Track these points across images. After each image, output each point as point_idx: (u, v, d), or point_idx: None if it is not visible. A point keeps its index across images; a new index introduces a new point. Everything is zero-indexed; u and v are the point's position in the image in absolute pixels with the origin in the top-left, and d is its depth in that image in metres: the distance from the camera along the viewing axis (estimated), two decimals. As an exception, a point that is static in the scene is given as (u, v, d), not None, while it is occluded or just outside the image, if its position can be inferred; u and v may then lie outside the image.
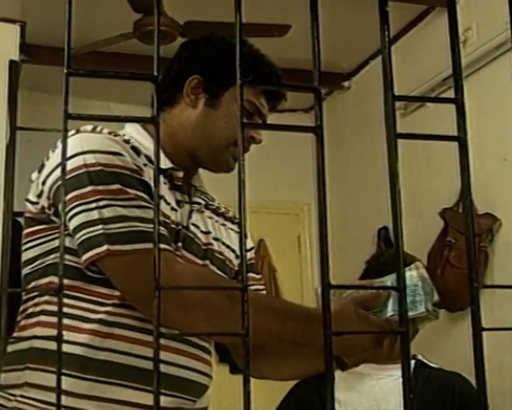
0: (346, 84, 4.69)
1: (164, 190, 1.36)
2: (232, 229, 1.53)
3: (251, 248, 1.59)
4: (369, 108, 3.96)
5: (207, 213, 1.47)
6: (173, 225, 1.33)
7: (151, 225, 1.22)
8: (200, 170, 1.50)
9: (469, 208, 0.48)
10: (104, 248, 1.19)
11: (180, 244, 1.34)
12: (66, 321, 1.23)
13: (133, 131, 1.40)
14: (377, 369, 2.08)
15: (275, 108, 1.46)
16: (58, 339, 0.45)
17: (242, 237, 0.42)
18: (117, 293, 1.26)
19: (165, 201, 1.34)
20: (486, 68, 3.37)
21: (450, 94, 0.52)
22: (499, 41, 3.15)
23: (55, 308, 1.23)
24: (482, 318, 0.49)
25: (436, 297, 1.21)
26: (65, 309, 1.21)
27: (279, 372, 1.46)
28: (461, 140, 0.48)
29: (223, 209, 1.54)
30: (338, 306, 1.17)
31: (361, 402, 2.06)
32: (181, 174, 1.39)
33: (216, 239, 1.46)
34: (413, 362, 2.09)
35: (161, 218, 1.31)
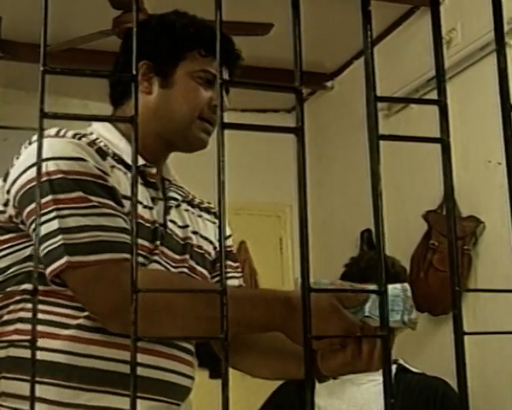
0: (329, 84, 4.70)
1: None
2: (209, 220, 1.53)
3: (229, 236, 1.58)
4: (353, 109, 3.98)
5: (184, 206, 1.47)
6: (148, 224, 1.33)
7: (115, 234, 1.21)
8: (170, 163, 1.50)
9: (452, 211, 0.48)
10: (64, 260, 1.17)
11: (158, 242, 1.33)
12: (44, 328, 1.22)
13: (101, 129, 1.39)
14: (359, 375, 2.09)
15: (234, 71, 1.46)
16: (33, 343, 0.44)
17: (222, 240, 0.42)
18: None
19: (138, 200, 1.34)
20: (471, 69, 3.39)
21: (435, 95, 0.53)
22: (484, 42, 3.17)
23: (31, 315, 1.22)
24: (465, 321, 0.49)
25: (414, 315, 1.22)
26: (42, 316, 1.21)
27: (257, 369, 1.47)
28: (444, 142, 0.48)
29: (197, 200, 1.54)
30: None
31: (342, 408, 2.07)
32: (154, 170, 1.39)
33: (194, 232, 1.46)
34: (394, 367, 2.10)
35: (140, 221, 1.31)
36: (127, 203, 1.29)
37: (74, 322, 1.25)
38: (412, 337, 3.34)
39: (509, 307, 2.73)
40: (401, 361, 2.14)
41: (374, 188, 0.51)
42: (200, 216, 1.52)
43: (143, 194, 1.36)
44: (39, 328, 1.25)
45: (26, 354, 1.20)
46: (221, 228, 0.40)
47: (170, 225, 1.38)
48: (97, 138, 1.35)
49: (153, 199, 1.38)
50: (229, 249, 1.57)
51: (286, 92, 0.43)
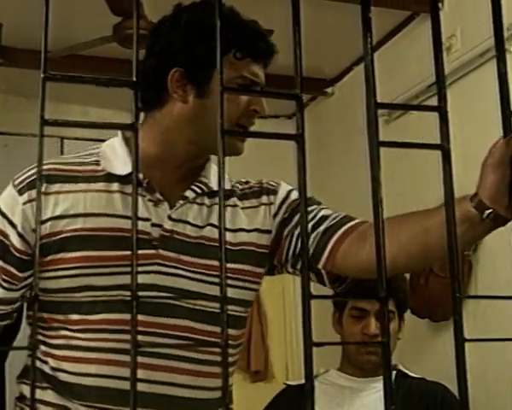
0: (329, 90, 4.71)
1: (121, 201, 1.33)
2: (251, 206, 1.45)
3: (290, 191, 1.48)
4: (353, 115, 3.98)
5: (207, 200, 1.40)
6: (126, 234, 1.30)
7: None
8: (211, 162, 1.46)
9: (452, 217, 0.48)
10: None
11: (153, 251, 1.31)
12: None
13: (108, 150, 1.38)
14: (359, 382, 2.08)
15: (268, 64, 1.41)
16: (33, 351, 0.44)
17: (223, 253, 0.42)
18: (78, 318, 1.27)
19: (125, 216, 1.31)
20: (471, 75, 3.39)
21: (435, 101, 0.53)
22: (484, 48, 3.17)
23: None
24: (465, 328, 0.49)
25: None
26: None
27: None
28: (444, 148, 0.48)
29: (236, 189, 1.47)
30: None
31: None
32: (140, 175, 1.34)
33: (215, 226, 1.38)
34: (394, 373, 2.11)
35: (120, 233, 1.29)
36: (100, 220, 1.28)
37: (66, 342, 1.28)
38: (413, 343, 3.34)
39: (509, 313, 2.73)
40: (400, 367, 2.15)
41: (374, 194, 0.51)
42: (234, 205, 1.43)
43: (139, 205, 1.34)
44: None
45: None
46: (221, 236, 0.40)
47: (174, 224, 1.34)
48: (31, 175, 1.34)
49: (155, 203, 1.35)
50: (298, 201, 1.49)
51: (286, 99, 0.43)
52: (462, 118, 3.19)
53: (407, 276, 3.13)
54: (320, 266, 1.36)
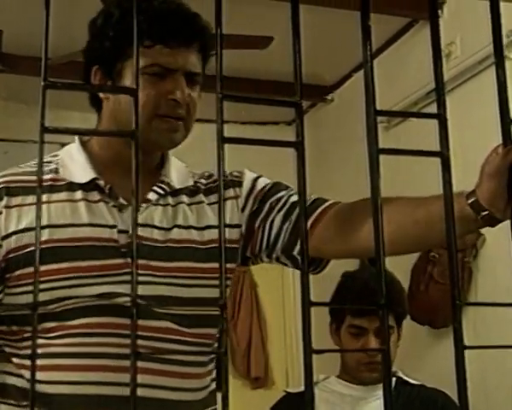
0: (329, 96, 4.71)
1: (85, 210, 1.29)
2: (209, 203, 1.39)
3: (257, 177, 1.44)
4: (353, 122, 3.98)
5: (171, 200, 1.36)
6: (107, 243, 1.27)
7: None
8: (171, 159, 1.40)
9: (452, 224, 0.48)
10: None
11: (122, 260, 1.26)
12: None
13: (66, 158, 1.35)
14: (359, 390, 2.08)
15: (190, 45, 1.29)
16: (32, 360, 0.44)
17: (223, 263, 0.42)
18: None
19: (91, 224, 1.28)
20: (470, 82, 3.40)
21: (435, 107, 0.53)
22: (483, 55, 3.18)
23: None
24: (465, 335, 0.49)
25: None
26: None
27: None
28: (443, 156, 0.48)
29: (200, 185, 1.41)
30: None
31: None
32: (101, 182, 1.30)
33: (186, 227, 1.34)
34: (393, 380, 2.10)
35: (88, 243, 1.26)
36: (62, 230, 1.25)
37: (51, 350, 1.24)
38: (413, 350, 3.33)
39: (509, 319, 2.73)
40: (400, 374, 2.14)
41: (374, 201, 0.51)
42: (200, 202, 1.38)
43: (100, 212, 1.29)
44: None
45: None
46: (221, 246, 0.40)
47: (141, 229, 1.28)
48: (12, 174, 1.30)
49: (120, 208, 1.30)
50: (269, 186, 1.42)
51: (286, 107, 0.43)
52: (461, 124, 3.19)
53: (405, 286, 3.12)
54: (295, 252, 1.34)
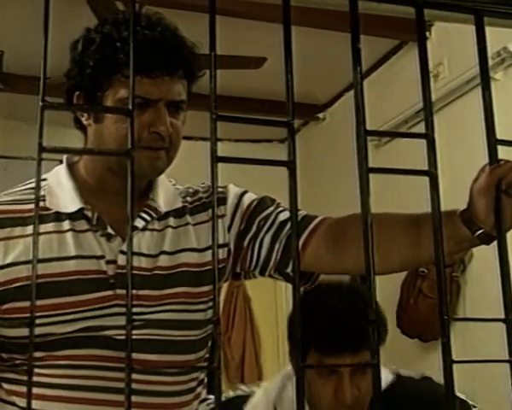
0: (320, 115, 4.73)
1: (73, 241, 1.24)
2: (194, 224, 1.34)
3: (243, 193, 1.40)
4: (344, 140, 3.98)
5: (157, 225, 1.31)
6: (94, 275, 1.22)
7: None
8: (158, 182, 1.34)
9: (440, 241, 0.48)
10: None
11: (110, 292, 1.22)
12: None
13: (54, 185, 1.28)
14: None
15: (172, 74, 1.24)
16: (30, 372, 0.44)
17: (216, 283, 0.42)
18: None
19: (79, 256, 1.23)
20: (458, 101, 3.42)
21: (424, 126, 0.53)
22: (470, 75, 3.20)
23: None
24: (454, 348, 0.49)
25: None
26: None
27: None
28: (431, 174, 0.49)
29: (187, 204, 1.37)
30: None
31: None
32: (89, 213, 1.25)
33: (172, 253, 1.29)
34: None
35: (76, 276, 1.23)
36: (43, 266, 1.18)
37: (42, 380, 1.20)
38: (403, 363, 3.32)
39: (497, 333, 2.72)
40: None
41: (364, 219, 0.51)
42: (196, 224, 1.34)
43: (88, 242, 1.25)
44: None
45: None
46: (214, 265, 0.40)
47: (123, 258, 1.24)
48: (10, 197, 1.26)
49: (109, 237, 1.26)
50: (256, 202, 1.38)
51: (278, 127, 0.43)
52: (449, 143, 3.20)
53: (395, 300, 3.11)
54: (288, 270, 1.33)
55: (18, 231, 1.22)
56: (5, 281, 1.19)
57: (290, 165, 0.43)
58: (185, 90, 1.28)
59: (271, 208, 1.38)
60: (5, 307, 1.19)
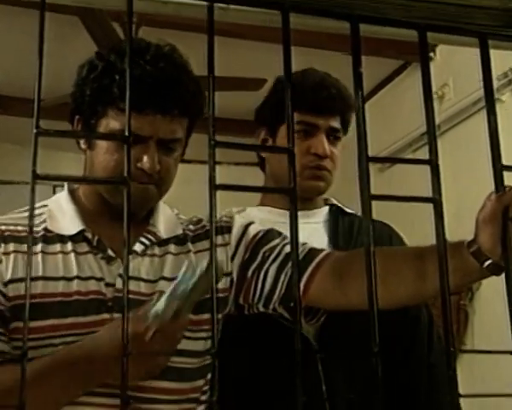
0: (323, 137, 4.74)
1: (75, 262, 1.26)
2: (196, 252, 1.36)
3: (248, 224, 1.40)
4: (347, 162, 4.00)
5: (157, 250, 1.33)
6: (92, 296, 1.23)
7: None
8: (159, 207, 1.37)
9: (445, 270, 0.48)
10: None
11: (107, 316, 1.22)
12: None
13: (55, 209, 1.30)
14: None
15: (166, 113, 1.24)
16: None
17: (215, 313, 0.42)
18: None
19: (81, 277, 1.24)
20: (464, 124, 3.43)
21: (428, 149, 0.53)
22: (477, 97, 3.20)
23: None
24: (461, 380, 0.49)
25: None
26: None
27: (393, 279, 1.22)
28: (436, 201, 0.49)
29: (188, 232, 1.38)
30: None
31: None
32: (89, 235, 1.28)
33: (172, 279, 1.26)
34: (326, 208, 1.80)
35: (79, 297, 1.23)
36: (37, 284, 1.20)
37: None
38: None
39: (508, 364, 2.71)
40: (334, 201, 1.83)
41: (367, 247, 0.52)
42: (198, 251, 1.35)
43: (88, 264, 1.26)
44: None
45: None
46: (213, 295, 0.40)
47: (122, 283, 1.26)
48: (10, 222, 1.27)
49: (108, 259, 1.28)
50: (262, 233, 1.38)
51: (278, 152, 0.43)
52: (455, 168, 3.21)
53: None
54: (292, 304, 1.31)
55: (24, 248, 1.25)
56: (14, 296, 1.21)
57: (291, 192, 0.43)
58: (183, 128, 1.29)
59: (277, 240, 1.38)
60: (14, 325, 1.20)
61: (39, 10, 0.50)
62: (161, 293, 1.13)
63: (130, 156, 1.21)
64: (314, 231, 1.64)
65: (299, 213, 1.67)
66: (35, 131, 0.40)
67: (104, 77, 1.24)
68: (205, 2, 0.47)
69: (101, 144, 1.25)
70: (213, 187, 0.41)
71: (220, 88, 1.70)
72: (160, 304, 1.11)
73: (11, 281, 1.21)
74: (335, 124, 1.67)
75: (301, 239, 1.51)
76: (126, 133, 0.43)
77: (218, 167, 0.52)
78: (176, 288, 1.10)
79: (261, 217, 1.58)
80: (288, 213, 1.67)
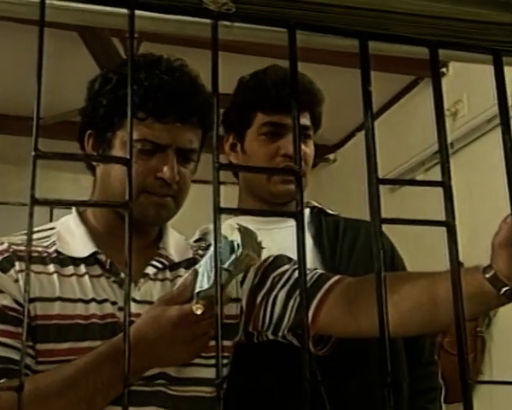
0: (331, 156, 4.76)
1: (90, 285, 1.27)
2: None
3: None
4: (356, 181, 4.00)
5: (169, 274, 1.35)
6: (108, 320, 1.25)
7: None
8: (169, 231, 1.40)
9: (459, 297, 0.48)
10: None
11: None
12: None
13: (64, 231, 1.33)
14: (264, 222, 1.67)
15: (185, 121, 1.28)
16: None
17: (219, 350, 0.42)
18: None
19: (96, 300, 1.26)
20: (479, 142, 3.43)
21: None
22: (492, 113, 3.20)
23: None
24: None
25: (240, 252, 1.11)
26: None
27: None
28: (449, 225, 0.49)
29: (198, 257, 1.40)
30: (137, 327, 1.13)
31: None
32: (103, 256, 1.30)
33: None
34: (307, 210, 1.77)
35: (94, 320, 1.25)
36: (48, 305, 1.22)
37: None
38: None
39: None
40: (314, 203, 1.80)
41: (377, 273, 0.52)
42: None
43: (102, 287, 1.28)
44: None
45: None
46: (218, 323, 0.40)
47: (135, 305, 1.27)
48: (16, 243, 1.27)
49: (120, 283, 1.29)
50: (272, 258, 1.40)
51: (285, 175, 0.44)
52: (469, 188, 3.21)
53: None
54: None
55: (39, 267, 1.26)
56: (42, 315, 1.22)
57: (298, 216, 0.43)
58: (198, 139, 1.33)
59: (287, 266, 1.39)
60: (41, 348, 1.21)
61: (38, 26, 0.51)
62: (195, 271, 1.14)
63: (146, 169, 1.25)
64: (294, 234, 1.60)
65: (276, 218, 1.62)
66: (33, 153, 0.40)
67: (120, 88, 1.27)
68: (208, 20, 0.48)
69: (118, 155, 1.26)
70: (218, 210, 0.42)
71: (225, 105, 1.71)
72: (203, 281, 1.13)
73: (29, 301, 1.22)
74: (304, 121, 1.65)
75: (283, 243, 1.53)
76: (128, 156, 0.43)
77: (222, 187, 0.52)
78: (210, 262, 1.12)
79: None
80: (263, 219, 1.61)
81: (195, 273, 1.16)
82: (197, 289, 1.13)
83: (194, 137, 1.31)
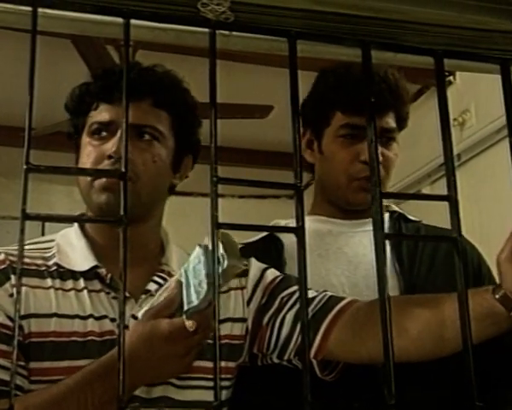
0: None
1: (88, 300, 1.27)
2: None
3: (266, 269, 1.43)
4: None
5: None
6: (107, 337, 1.25)
7: None
8: (172, 249, 1.40)
9: (466, 317, 0.48)
10: None
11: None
12: None
13: (64, 244, 1.33)
14: (343, 225, 1.63)
15: (135, 99, 1.32)
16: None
17: (216, 353, 0.42)
18: None
19: (95, 316, 1.26)
20: (487, 153, 3.43)
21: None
22: (500, 123, 3.19)
23: None
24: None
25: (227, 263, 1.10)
26: None
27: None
28: (456, 241, 0.49)
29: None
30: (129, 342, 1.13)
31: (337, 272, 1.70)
32: (103, 271, 1.30)
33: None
34: (386, 215, 1.71)
35: (91, 337, 1.25)
36: (43, 321, 1.22)
37: None
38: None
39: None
40: (395, 207, 1.74)
41: (380, 288, 0.52)
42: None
43: (102, 303, 1.29)
44: None
45: None
46: (216, 343, 0.40)
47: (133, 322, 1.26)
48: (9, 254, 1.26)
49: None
50: (280, 278, 1.40)
51: (285, 189, 0.44)
52: (476, 199, 3.21)
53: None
54: (311, 356, 1.31)
55: (36, 281, 1.26)
56: (37, 332, 1.22)
57: (298, 231, 0.44)
58: (160, 121, 1.33)
59: (295, 286, 1.38)
60: (36, 366, 1.21)
61: (30, 34, 0.51)
62: (180, 282, 1.15)
63: (98, 152, 1.29)
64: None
65: (355, 221, 1.63)
66: (25, 167, 0.40)
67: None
68: (206, 30, 0.48)
69: (83, 143, 1.31)
70: (215, 226, 0.42)
71: (224, 115, 1.72)
72: (191, 296, 1.13)
73: (23, 317, 1.22)
74: (388, 123, 1.64)
75: (363, 249, 1.54)
76: (123, 169, 0.44)
77: (220, 200, 0.52)
78: (194, 275, 1.13)
79: (313, 228, 1.57)
80: (337, 221, 1.62)
81: (180, 285, 1.16)
82: (186, 306, 1.13)
83: (152, 116, 1.32)
